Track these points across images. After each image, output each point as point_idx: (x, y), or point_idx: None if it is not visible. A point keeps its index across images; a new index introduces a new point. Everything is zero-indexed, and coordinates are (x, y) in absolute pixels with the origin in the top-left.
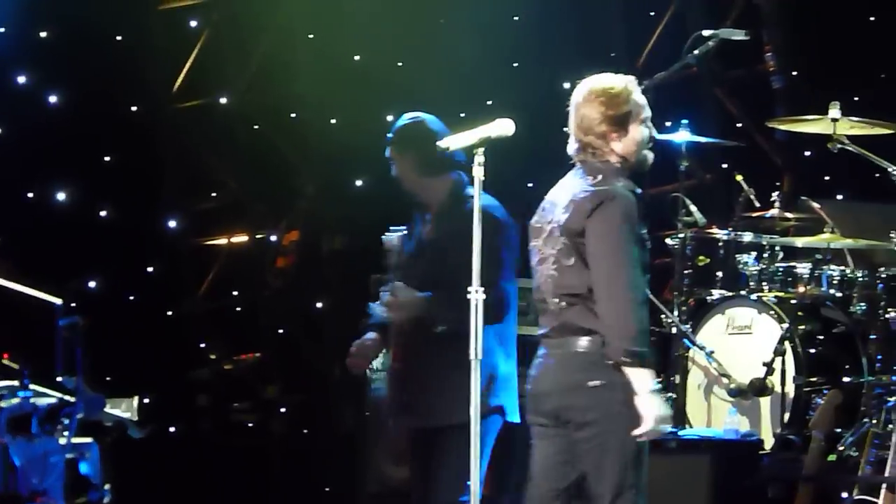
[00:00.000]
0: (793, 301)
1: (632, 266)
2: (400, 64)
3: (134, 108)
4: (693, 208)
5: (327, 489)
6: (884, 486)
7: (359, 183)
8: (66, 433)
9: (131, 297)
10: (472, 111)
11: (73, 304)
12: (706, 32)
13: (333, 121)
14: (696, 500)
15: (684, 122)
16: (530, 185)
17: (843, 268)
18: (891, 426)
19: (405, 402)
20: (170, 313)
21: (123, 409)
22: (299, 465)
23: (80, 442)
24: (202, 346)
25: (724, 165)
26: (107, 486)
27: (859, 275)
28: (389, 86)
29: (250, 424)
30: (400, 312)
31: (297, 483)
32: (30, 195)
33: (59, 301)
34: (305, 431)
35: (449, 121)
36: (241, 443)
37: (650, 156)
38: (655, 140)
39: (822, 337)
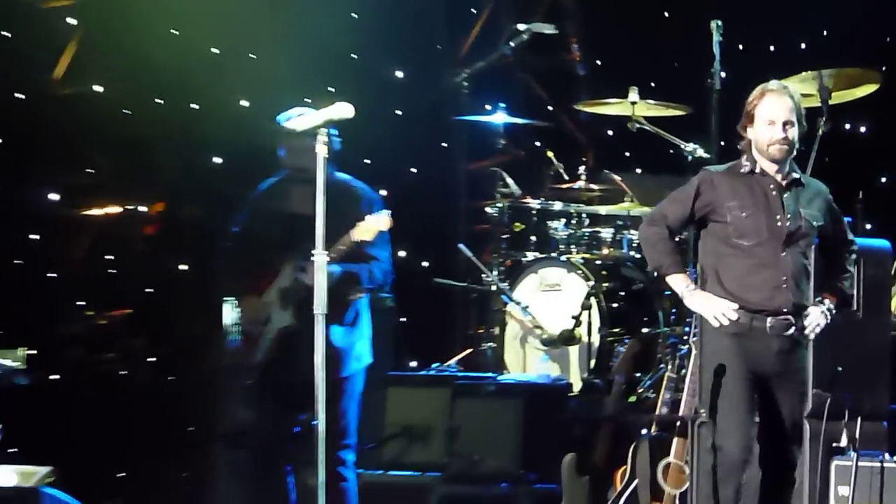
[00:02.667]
0: (597, 262)
1: None
2: (253, 56)
3: (19, 96)
4: (509, 181)
5: (190, 429)
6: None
7: (216, 160)
8: None
9: (18, 262)
10: (316, 97)
11: None
12: (520, 26)
13: (194, 106)
14: (512, 437)
15: (501, 105)
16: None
17: None
18: (683, 371)
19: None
20: (51, 275)
21: (12, 360)
22: (164, 409)
23: None
24: (79, 304)
25: (537, 143)
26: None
27: None
28: (243, 75)
29: (122, 373)
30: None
31: (162, 424)
32: None
33: None
34: (170, 379)
35: (296, 104)
36: (112, 389)
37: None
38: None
39: (622, 293)
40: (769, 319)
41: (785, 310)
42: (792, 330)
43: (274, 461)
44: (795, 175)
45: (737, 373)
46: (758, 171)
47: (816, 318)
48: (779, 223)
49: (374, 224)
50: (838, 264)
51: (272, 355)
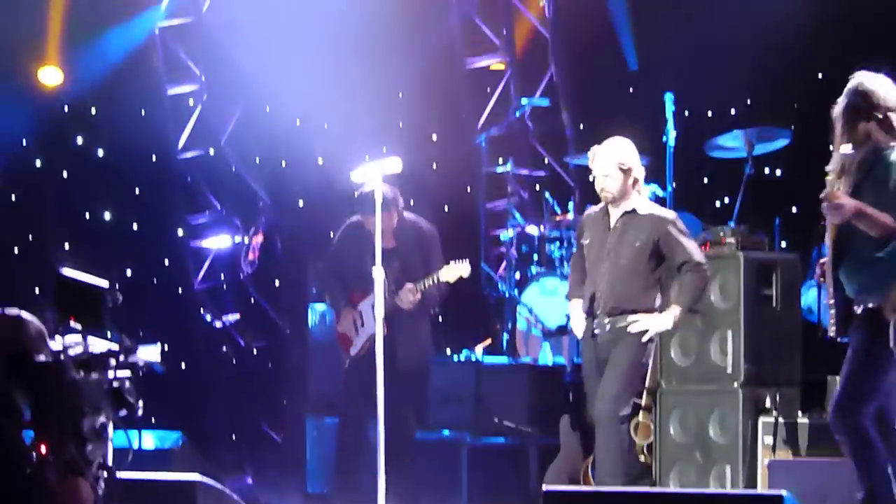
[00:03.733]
0: None
1: None
2: (325, 126)
3: (153, 158)
4: (517, 215)
5: (284, 402)
6: None
7: (300, 203)
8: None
9: (154, 280)
10: (373, 155)
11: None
12: (523, 100)
13: (283, 163)
14: (523, 403)
15: (510, 159)
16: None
17: None
18: None
19: None
20: (179, 290)
21: (151, 355)
22: (265, 388)
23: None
24: (201, 311)
25: (537, 186)
26: (140, 403)
27: None
28: (319, 139)
29: (233, 361)
30: None
31: (264, 399)
32: None
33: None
34: (270, 365)
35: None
36: (226, 373)
37: None
38: None
39: None
40: None
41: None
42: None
43: (357, 428)
44: (628, 209)
45: None
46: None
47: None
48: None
49: (460, 271)
50: (676, 279)
51: (363, 352)
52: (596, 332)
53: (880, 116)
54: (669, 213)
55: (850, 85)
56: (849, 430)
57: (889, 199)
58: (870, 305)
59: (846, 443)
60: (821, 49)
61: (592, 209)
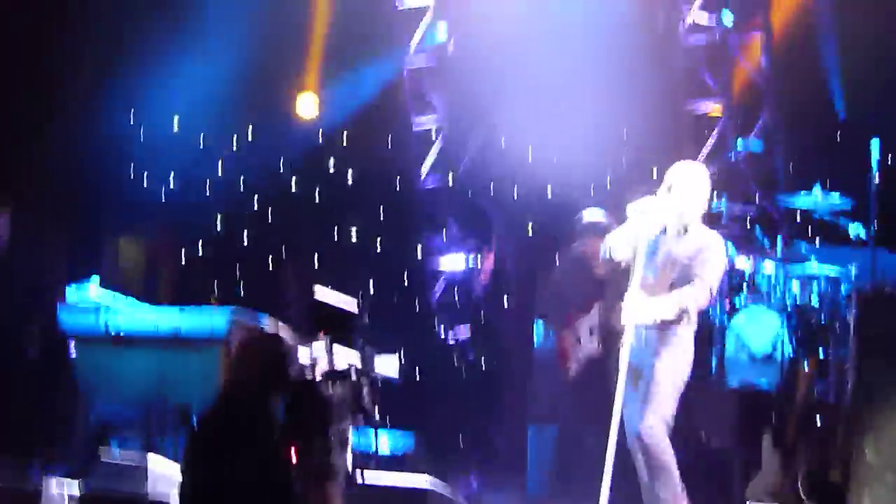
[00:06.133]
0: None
1: None
2: None
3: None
4: (731, 247)
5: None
6: None
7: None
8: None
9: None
10: None
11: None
12: (739, 143)
13: None
14: (730, 425)
15: (724, 196)
16: None
17: None
18: None
19: None
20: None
21: (389, 369)
22: (490, 395)
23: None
24: (436, 325)
25: (747, 223)
26: (377, 410)
27: None
28: None
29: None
30: None
31: (485, 406)
32: None
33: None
34: (494, 374)
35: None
36: (454, 381)
37: None
38: None
39: None
40: None
41: None
42: None
43: (577, 436)
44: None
45: None
46: None
47: None
48: None
49: None
50: None
51: (580, 368)
52: None
53: None
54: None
55: None
56: None
57: None
58: None
59: None
60: None
61: None
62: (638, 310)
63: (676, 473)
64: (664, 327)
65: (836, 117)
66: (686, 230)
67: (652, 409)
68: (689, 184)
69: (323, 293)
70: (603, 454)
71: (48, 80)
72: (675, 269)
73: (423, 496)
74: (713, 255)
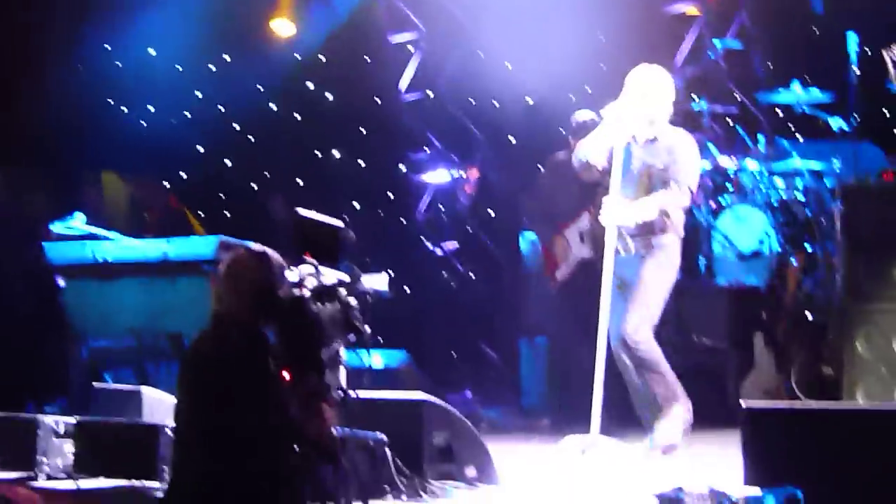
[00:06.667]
0: (773, 203)
1: None
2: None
3: (377, 100)
4: (712, 147)
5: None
6: None
7: (511, 139)
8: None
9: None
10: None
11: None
12: (716, 42)
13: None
14: (721, 325)
15: (704, 96)
16: None
17: None
18: None
19: None
20: (403, 222)
21: (379, 283)
22: (480, 310)
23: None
24: (423, 239)
25: (729, 122)
26: (368, 328)
27: None
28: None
29: (452, 284)
30: None
31: (478, 320)
32: None
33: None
34: (485, 287)
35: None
36: (446, 297)
37: None
38: None
39: None
40: None
41: None
42: None
43: (567, 345)
44: None
45: None
46: None
47: None
48: None
49: None
50: None
51: (570, 276)
52: None
53: None
54: None
55: None
56: None
57: None
58: None
59: None
60: None
61: None
62: (618, 212)
63: (668, 367)
64: (649, 236)
65: (812, 11)
66: (655, 137)
67: (636, 312)
68: (651, 88)
69: (309, 216)
70: (594, 362)
71: (22, 19)
72: (651, 177)
73: (418, 406)
74: (686, 155)
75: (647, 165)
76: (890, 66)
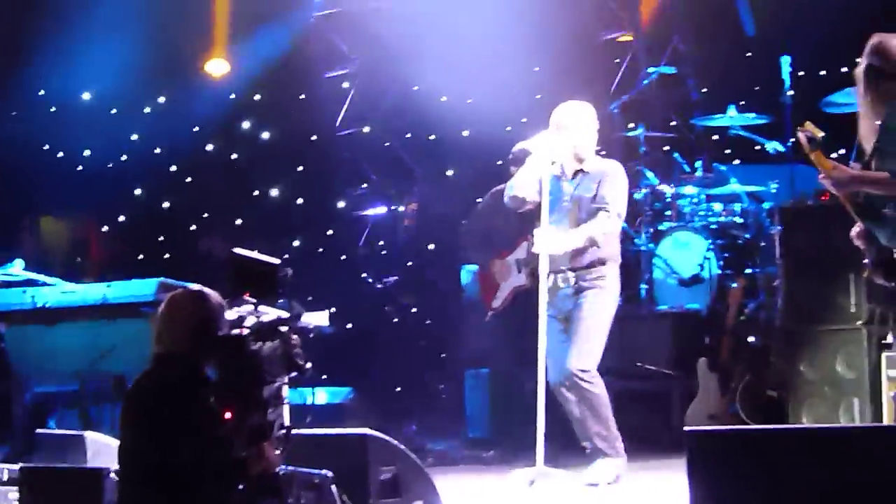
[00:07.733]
0: (713, 226)
1: None
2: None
3: (314, 137)
4: (649, 174)
5: (442, 355)
6: None
7: (449, 173)
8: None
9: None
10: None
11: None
12: (650, 69)
13: (431, 137)
14: (664, 350)
15: (641, 124)
16: None
17: None
18: None
19: None
20: (342, 258)
21: (320, 319)
22: (425, 342)
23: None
24: (363, 275)
25: (666, 148)
26: (309, 364)
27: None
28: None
29: (395, 320)
30: None
31: (424, 353)
32: None
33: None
34: (427, 322)
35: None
36: (389, 331)
37: None
38: None
39: (731, 246)
40: None
41: None
42: None
43: (509, 377)
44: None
45: None
46: None
47: None
48: None
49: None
50: None
51: (507, 304)
52: None
53: None
54: None
55: (868, 45)
56: None
57: None
58: None
59: None
60: None
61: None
62: (549, 242)
63: (609, 414)
64: (588, 269)
65: (744, 34)
66: (582, 168)
67: (579, 346)
68: (572, 121)
69: (246, 255)
70: (535, 392)
71: None
72: (580, 207)
73: (362, 441)
74: (613, 183)
75: (576, 197)
76: (805, 142)
